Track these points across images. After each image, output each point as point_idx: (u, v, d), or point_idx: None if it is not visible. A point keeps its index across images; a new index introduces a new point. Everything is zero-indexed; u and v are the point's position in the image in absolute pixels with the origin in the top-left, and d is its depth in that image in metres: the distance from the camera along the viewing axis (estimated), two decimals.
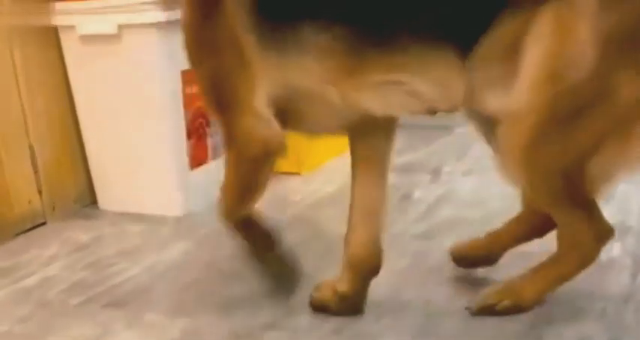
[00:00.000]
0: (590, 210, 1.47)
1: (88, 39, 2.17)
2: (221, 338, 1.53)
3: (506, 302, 1.54)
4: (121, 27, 2.11)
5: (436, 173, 2.38)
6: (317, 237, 2.00)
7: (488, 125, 1.46)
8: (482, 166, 2.48)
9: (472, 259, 1.73)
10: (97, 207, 2.36)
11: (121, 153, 2.26)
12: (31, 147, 2.21)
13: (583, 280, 1.64)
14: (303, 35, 1.32)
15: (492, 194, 2.17)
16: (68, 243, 2.08)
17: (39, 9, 2.19)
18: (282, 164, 2.54)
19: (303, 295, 1.61)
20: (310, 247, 1.92)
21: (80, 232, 2.16)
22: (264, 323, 1.57)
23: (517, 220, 1.67)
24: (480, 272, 1.72)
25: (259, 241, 1.54)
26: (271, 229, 1.54)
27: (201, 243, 2.04)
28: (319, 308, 1.60)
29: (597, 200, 1.46)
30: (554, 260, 1.53)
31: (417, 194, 2.25)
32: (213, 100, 1.43)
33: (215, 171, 2.35)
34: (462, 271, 1.74)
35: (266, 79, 1.36)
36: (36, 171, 2.22)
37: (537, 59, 1.32)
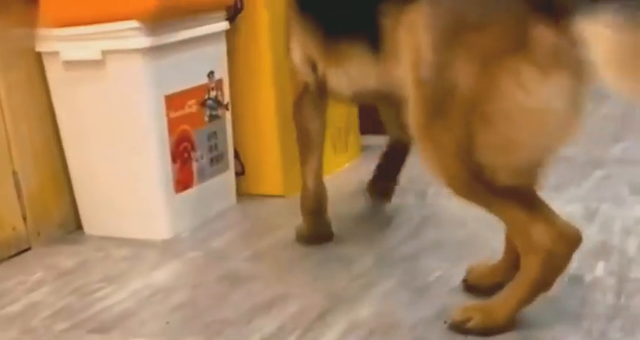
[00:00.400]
0: (529, 205, 1.47)
1: (72, 65, 2.17)
2: None
3: (476, 320, 1.53)
4: (104, 53, 2.11)
5: (422, 195, 2.40)
6: (305, 258, 2.00)
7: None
8: None
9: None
10: (83, 232, 2.34)
11: (105, 177, 2.26)
12: (15, 173, 2.20)
13: (568, 299, 1.65)
14: (307, 21, 1.90)
15: (478, 215, 2.17)
16: (53, 269, 2.07)
17: (22, 35, 2.19)
18: (266, 186, 2.55)
19: (288, 319, 1.61)
20: (299, 266, 1.92)
21: (65, 257, 2.15)
22: None
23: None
24: (469, 294, 1.72)
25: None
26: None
27: (187, 267, 2.04)
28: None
29: (537, 194, 1.50)
30: (519, 272, 1.52)
31: (403, 215, 2.26)
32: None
33: (201, 194, 2.36)
34: (449, 292, 1.74)
35: (297, 43, 1.97)
36: (20, 197, 2.21)
37: (405, 50, 1.53)
